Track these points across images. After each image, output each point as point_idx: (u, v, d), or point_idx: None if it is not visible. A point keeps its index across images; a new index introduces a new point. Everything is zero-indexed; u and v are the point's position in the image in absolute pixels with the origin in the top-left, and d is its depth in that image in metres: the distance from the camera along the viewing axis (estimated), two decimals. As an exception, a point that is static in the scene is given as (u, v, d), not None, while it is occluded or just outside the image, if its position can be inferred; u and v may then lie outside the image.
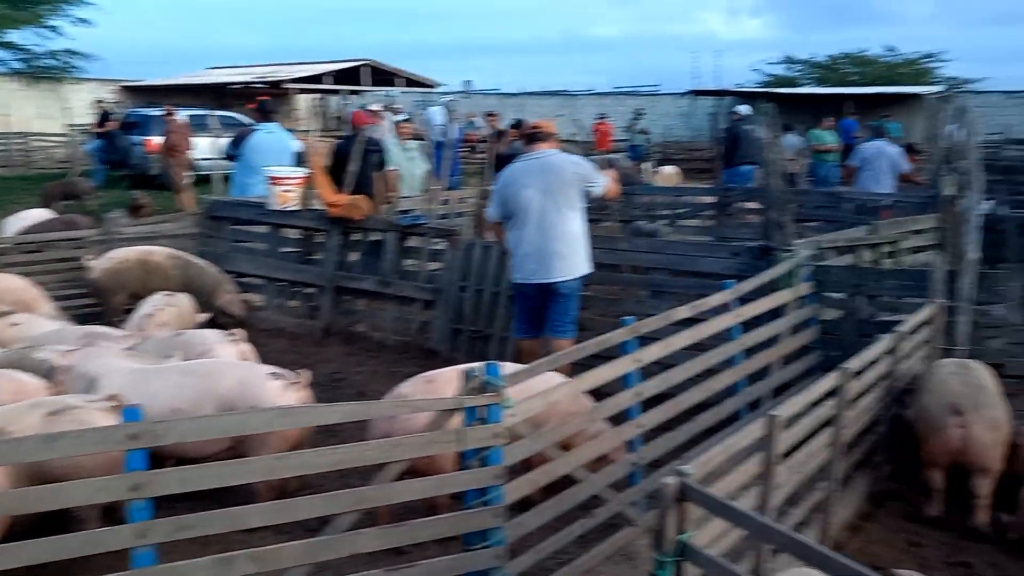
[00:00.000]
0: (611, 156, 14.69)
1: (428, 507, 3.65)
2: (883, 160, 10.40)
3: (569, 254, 5.40)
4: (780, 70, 28.85)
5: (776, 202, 5.63)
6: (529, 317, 5.59)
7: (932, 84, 24.35)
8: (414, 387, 4.09)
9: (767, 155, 6.06)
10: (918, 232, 7.11)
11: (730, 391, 4.69)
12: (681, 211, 10.31)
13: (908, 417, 4.43)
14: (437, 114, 14.10)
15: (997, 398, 4.20)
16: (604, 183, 5.53)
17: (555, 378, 3.80)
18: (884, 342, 4.27)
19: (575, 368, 3.89)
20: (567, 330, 5.42)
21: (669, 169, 15.28)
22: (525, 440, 3.30)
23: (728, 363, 4.67)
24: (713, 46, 74.30)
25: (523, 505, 3.39)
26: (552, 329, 5.42)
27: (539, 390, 3.44)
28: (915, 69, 27.12)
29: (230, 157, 9.52)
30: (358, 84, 27.14)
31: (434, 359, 6.39)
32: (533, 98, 28.30)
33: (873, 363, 4.18)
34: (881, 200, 9.41)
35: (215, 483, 2.83)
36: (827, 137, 14.50)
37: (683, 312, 4.42)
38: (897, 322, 4.64)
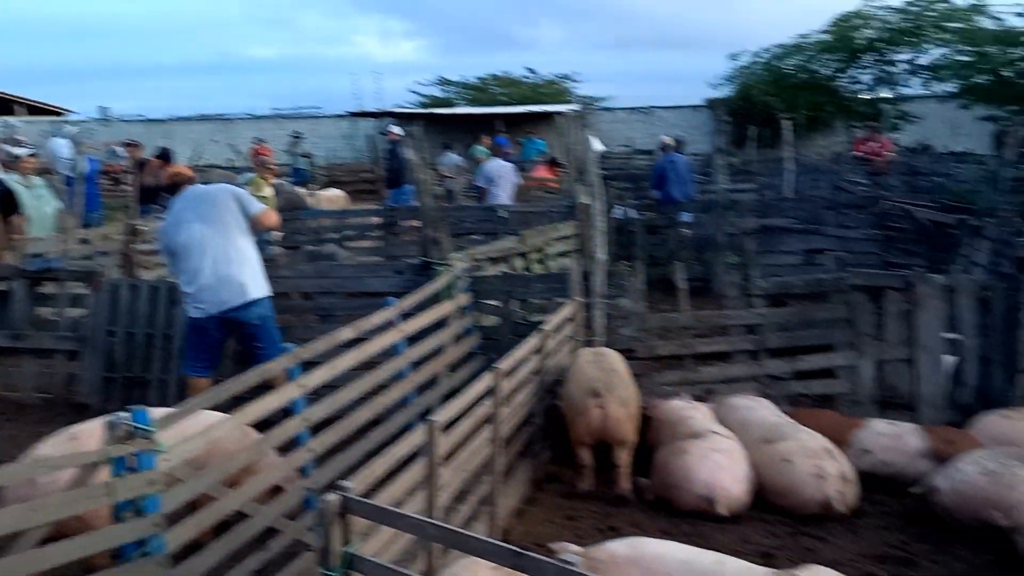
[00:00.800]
0: (274, 181, 14.39)
1: (86, 570, 3.35)
2: (505, 176, 11.51)
3: (248, 277, 5.34)
4: (436, 91, 30.16)
5: (430, 220, 5.93)
6: (206, 354, 5.37)
7: (569, 103, 26.88)
8: (55, 446, 3.73)
9: (417, 175, 6.36)
10: (561, 239, 7.89)
11: (401, 404, 4.86)
12: (348, 233, 10.41)
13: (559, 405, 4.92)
14: (63, 146, 12.91)
15: (627, 379, 4.80)
16: (262, 208, 5.50)
17: (215, 416, 3.68)
18: (531, 341, 4.69)
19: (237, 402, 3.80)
20: (275, 351, 5.29)
21: (334, 191, 15.32)
22: (186, 483, 3.17)
23: (397, 377, 4.84)
24: (372, 68, 75.52)
25: (195, 549, 3.25)
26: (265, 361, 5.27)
27: (201, 429, 3.33)
28: (555, 89, 29.75)
29: None
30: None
31: (85, 413, 5.84)
32: (184, 123, 26.85)
33: (524, 361, 4.57)
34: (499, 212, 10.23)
35: None
36: (486, 153, 15.47)
37: (347, 333, 4.50)
38: (544, 322, 5.13)
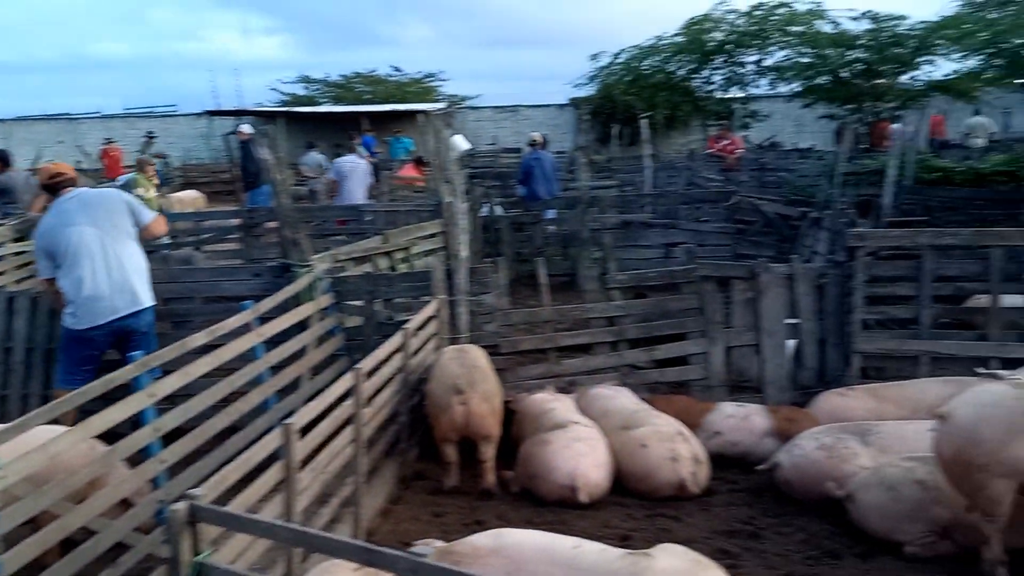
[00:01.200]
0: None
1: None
2: (357, 173, 11.44)
3: (140, 285, 5.20)
4: (298, 89, 29.52)
5: (287, 220, 5.82)
6: (88, 366, 5.10)
7: (436, 101, 26.89)
8: None
9: (272, 175, 6.23)
10: (427, 237, 7.88)
11: (262, 409, 4.76)
12: (206, 236, 10.04)
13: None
14: None
15: (490, 374, 4.88)
16: (153, 215, 5.40)
17: (57, 430, 3.51)
18: (394, 340, 4.70)
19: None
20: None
21: (190, 193, 14.76)
22: (23, 501, 3.00)
23: (256, 382, 4.73)
24: (231, 65, 72.95)
25: (39, 569, 3.09)
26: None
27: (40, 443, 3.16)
28: (421, 87, 29.69)
29: None
30: None
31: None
32: (23, 124, 25.21)
33: (386, 360, 4.57)
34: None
35: None
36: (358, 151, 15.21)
37: (200, 339, 4.37)
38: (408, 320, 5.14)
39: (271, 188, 11.33)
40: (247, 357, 4.71)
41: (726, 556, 4.10)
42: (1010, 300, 5.90)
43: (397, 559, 2.06)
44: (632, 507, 4.73)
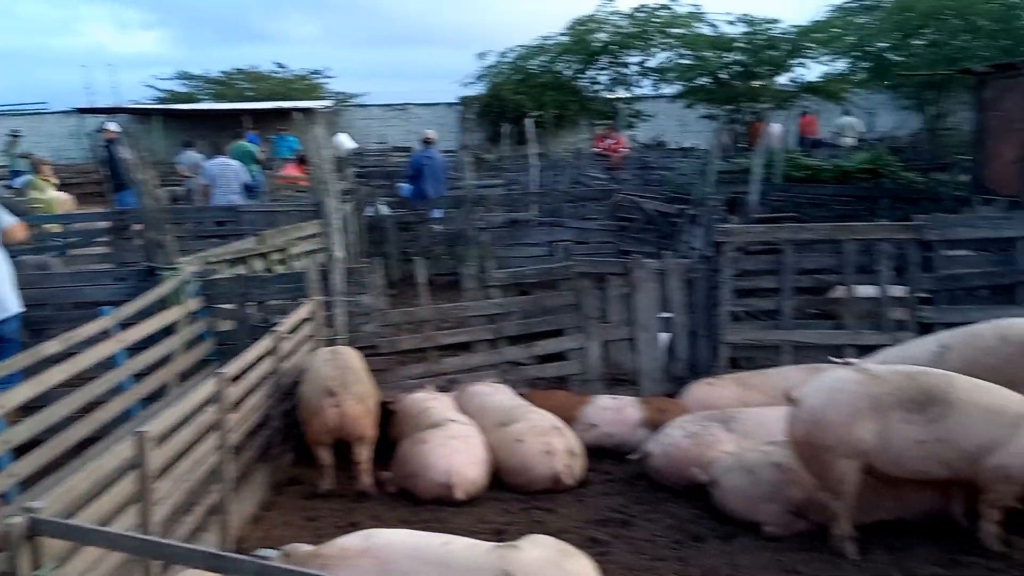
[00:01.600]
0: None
1: None
2: (229, 174, 11.15)
3: (8, 290, 5.09)
4: (176, 86, 28.43)
5: (152, 222, 5.63)
6: None
7: (322, 99, 26.41)
8: None
9: (136, 175, 6.01)
10: (306, 238, 7.76)
11: (124, 418, 4.59)
12: (73, 239, 9.58)
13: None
14: None
15: (363, 375, 4.85)
16: (14, 221, 5.15)
17: None
18: (263, 343, 4.61)
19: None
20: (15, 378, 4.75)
21: (59, 195, 14.01)
22: None
23: (117, 390, 4.56)
24: (105, 60, 69.66)
25: None
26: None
27: None
28: (307, 85, 29.06)
29: None
30: None
31: None
32: None
33: (255, 364, 4.48)
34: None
35: None
36: (248, 147, 14.69)
37: (53, 346, 4.19)
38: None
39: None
40: (109, 364, 4.54)
41: (596, 544, 4.22)
42: (864, 291, 6.28)
43: (242, 563, 2.03)
44: (509, 501, 4.79)
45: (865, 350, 5.60)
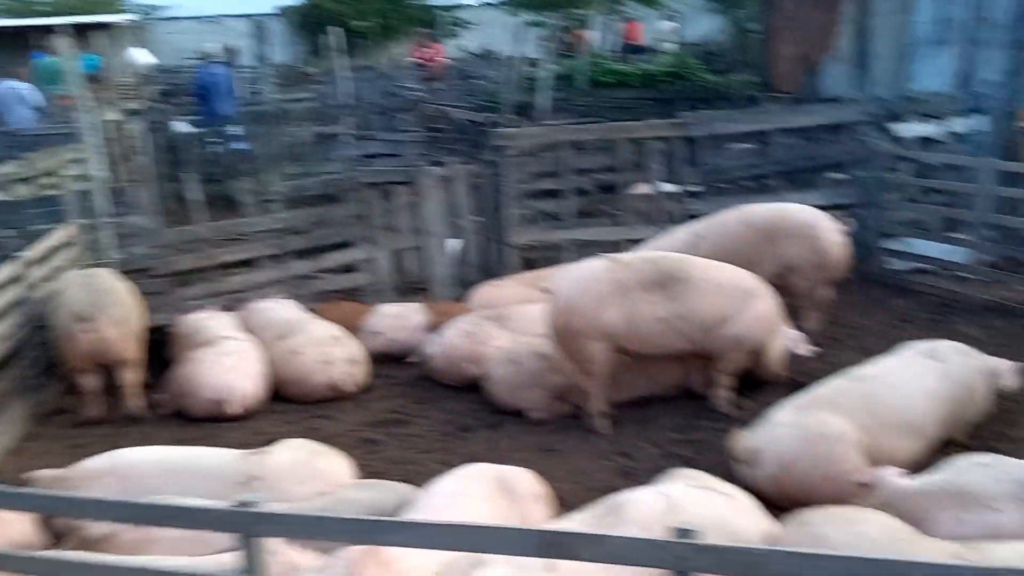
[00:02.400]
0: None
1: None
2: (12, 97, 10.38)
3: None
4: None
5: None
6: None
7: (123, 12, 24.44)
8: None
9: None
10: (78, 160, 7.28)
11: None
12: None
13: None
14: None
15: (124, 297, 4.68)
16: None
17: None
18: (6, 270, 4.36)
19: None
20: None
21: None
22: None
23: None
24: None
25: None
26: None
27: None
28: (107, -1, 26.73)
29: None
30: None
31: None
32: None
33: (-3, 293, 4.24)
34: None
35: None
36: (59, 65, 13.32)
37: None
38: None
39: None
40: None
41: (369, 444, 4.35)
42: (641, 189, 6.58)
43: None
44: (289, 412, 4.83)
45: (637, 244, 5.90)
